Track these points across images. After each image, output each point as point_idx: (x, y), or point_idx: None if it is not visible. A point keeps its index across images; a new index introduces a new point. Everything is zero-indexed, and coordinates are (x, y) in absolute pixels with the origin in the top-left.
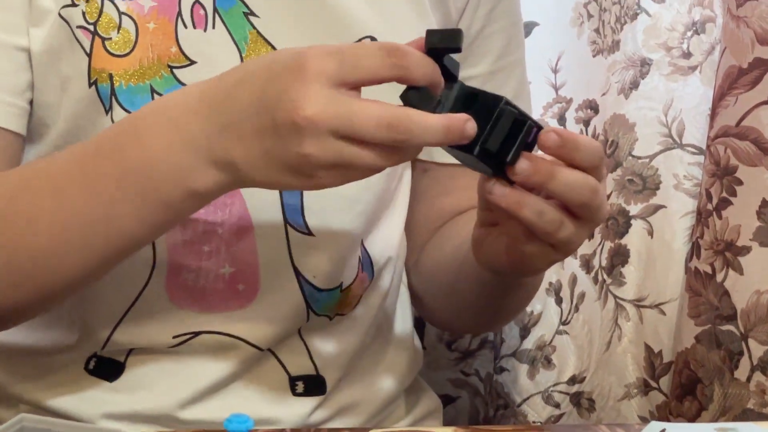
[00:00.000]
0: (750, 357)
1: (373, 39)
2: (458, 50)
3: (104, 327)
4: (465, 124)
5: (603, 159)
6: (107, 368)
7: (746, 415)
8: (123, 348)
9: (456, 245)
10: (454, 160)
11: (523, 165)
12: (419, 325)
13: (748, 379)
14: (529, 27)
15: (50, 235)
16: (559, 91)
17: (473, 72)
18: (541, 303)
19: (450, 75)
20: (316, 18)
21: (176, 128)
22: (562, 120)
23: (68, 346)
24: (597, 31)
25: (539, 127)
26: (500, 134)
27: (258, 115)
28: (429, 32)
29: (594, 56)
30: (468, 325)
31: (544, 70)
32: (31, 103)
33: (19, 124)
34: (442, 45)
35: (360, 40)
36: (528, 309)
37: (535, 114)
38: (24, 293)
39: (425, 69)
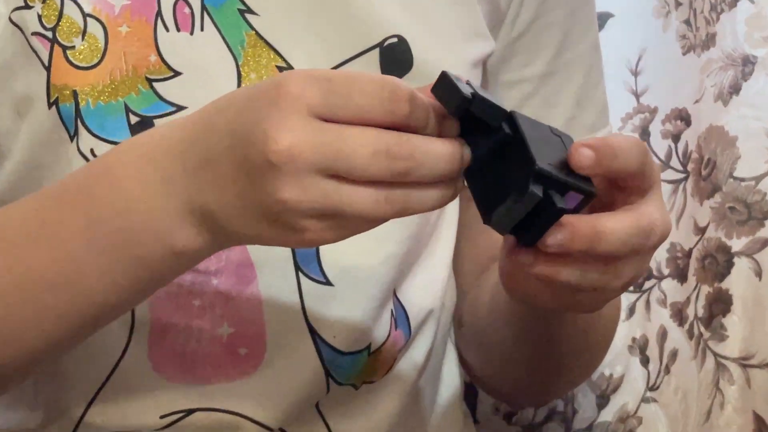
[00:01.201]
0: None
1: (401, 40)
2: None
3: (75, 406)
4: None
5: (647, 154)
6: None
7: None
8: (99, 431)
9: (494, 284)
10: None
11: (556, 238)
12: (470, 392)
13: None
14: (602, 19)
15: (1, 301)
16: (640, 99)
17: (524, 74)
18: (622, 364)
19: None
20: (331, 14)
21: (153, 169)
22: (645, 134)
23: (32, 431)
24: (687, 22)
25: (586, 192)
26: (520, 212)
27: (232, 149)
28: (462, 98)
29: (684, 54)
30: (523, 387)
31: (622, 72)
32: None
33: None
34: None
35: (385, 40)
36: (606, 371)
37: (613, 127)
38: None
39: (430, 128)
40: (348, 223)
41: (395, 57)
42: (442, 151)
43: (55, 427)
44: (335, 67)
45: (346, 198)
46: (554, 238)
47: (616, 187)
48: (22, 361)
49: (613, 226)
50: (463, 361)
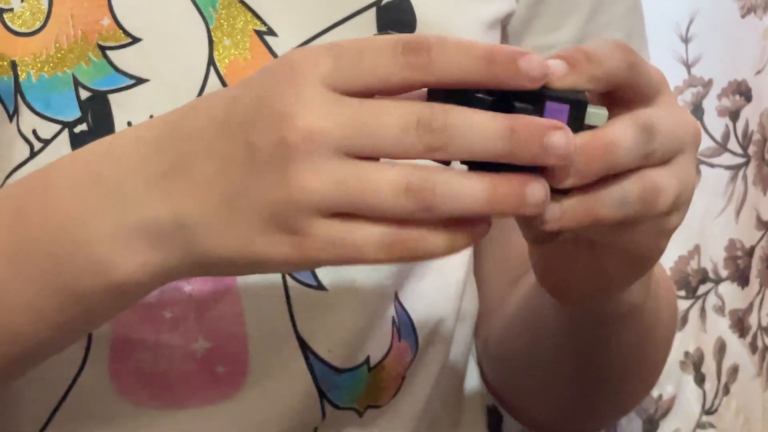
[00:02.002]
0: None
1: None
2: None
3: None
4: (548, 132)
5: (635, 55)
6: None
7: None
8: None
9: (527, 292)
10: None
11: (570, 169)
12: (495, 419)
13: None
14: None
15: None
16: (692, 70)
17: (552, 39)
18: (673, 383)
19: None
20: None
21: (99, 183)
22: (698, 111)
23: None
24: None
25: (572, 101)
26: None
27: (220, 142)
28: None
29: (743, 16)
30: (564, 414)
31: (669, 38)
32: None
33: None
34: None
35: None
36: (654, 392)
37: None
38: None
39: (463, 71)
40: (356, 238)
41: (395, 17)
42: (486, 122)
43: None
44: (325, 30)
45: (368, 179)
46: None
47: (619, 105)
48: None
49: (614, 127)
50: (489, 386)
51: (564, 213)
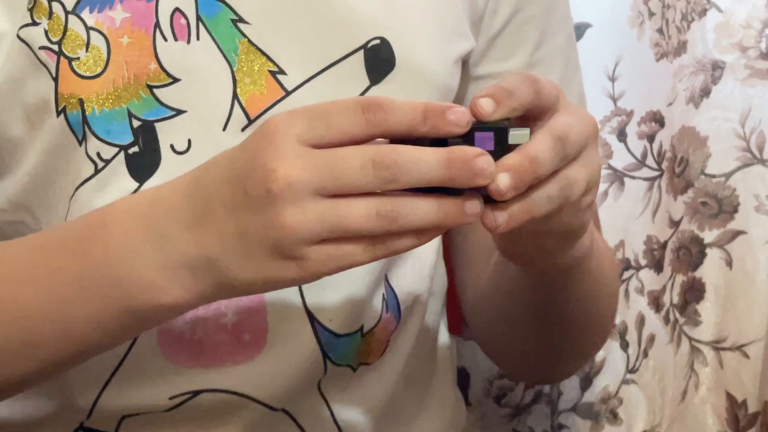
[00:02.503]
0: None
1: (384, 41)
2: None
3: (88, 392)
4: (474, 159)
5: (537, 81)
6: None
7: None
8: (113, 415)
9: (494, 265)
10: None
11: (507, 183)
12: (463, 377)
13: None
14: (581, 29)
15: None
16: (617, 103)
17: (505, 67)
18: (604, 348)
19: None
20: (317, 20)
21: (146, 225)
22: (622, 135)
23: (48, 419)
24: (660, 31)
25: (494, 129)
26: None
27: (230, 191)
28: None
29: (657, 60)
30: (533, 359)
31: (600, 78)
32: None
33: None
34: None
35: (368, 42)
36: None
37: None
38: None
39: (408, 124)
40: (345, 247)
41: (379, 57)
42: (426, 157)
43: (69, 413)
44: (324, 69)
45: (343, 211)
46: (505, 184)
47: (531, 120)
48: (12, 384)
49: (535, 145)
50: (479, 342)
51: (509, 218)
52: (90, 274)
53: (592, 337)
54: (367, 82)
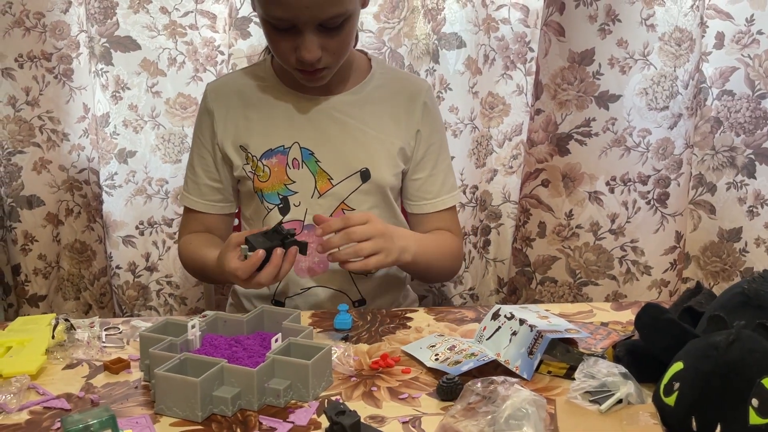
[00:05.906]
0: None
1: (366, 169)
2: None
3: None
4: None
5: (348, 219)
6: None
7: None
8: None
9: None
10: (419, 211)
11: (338, 252)
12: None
13: None
14: None
15: (188, 267)
16: None
17: (420, 175)
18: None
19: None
20: (342, 159)
21: (217, 266)
22: None
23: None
24: None
25: (291, 238)
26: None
27: (223, 274)
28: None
29: None
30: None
31: None
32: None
33: (216, 212)
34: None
35: (360, 169)
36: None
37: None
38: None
39: (266, 280)
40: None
41: (365, 174)
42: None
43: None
44: (346, 177)
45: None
46: (337, 254)
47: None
48: (207, 282)
49: (338, 225)
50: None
51: (333, 258)
52: (219, 271)
53: (444, 278)
54: (359, 183)
